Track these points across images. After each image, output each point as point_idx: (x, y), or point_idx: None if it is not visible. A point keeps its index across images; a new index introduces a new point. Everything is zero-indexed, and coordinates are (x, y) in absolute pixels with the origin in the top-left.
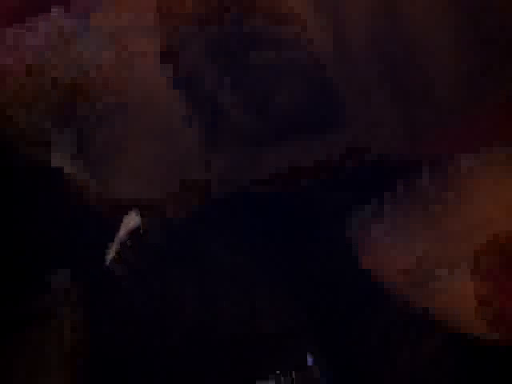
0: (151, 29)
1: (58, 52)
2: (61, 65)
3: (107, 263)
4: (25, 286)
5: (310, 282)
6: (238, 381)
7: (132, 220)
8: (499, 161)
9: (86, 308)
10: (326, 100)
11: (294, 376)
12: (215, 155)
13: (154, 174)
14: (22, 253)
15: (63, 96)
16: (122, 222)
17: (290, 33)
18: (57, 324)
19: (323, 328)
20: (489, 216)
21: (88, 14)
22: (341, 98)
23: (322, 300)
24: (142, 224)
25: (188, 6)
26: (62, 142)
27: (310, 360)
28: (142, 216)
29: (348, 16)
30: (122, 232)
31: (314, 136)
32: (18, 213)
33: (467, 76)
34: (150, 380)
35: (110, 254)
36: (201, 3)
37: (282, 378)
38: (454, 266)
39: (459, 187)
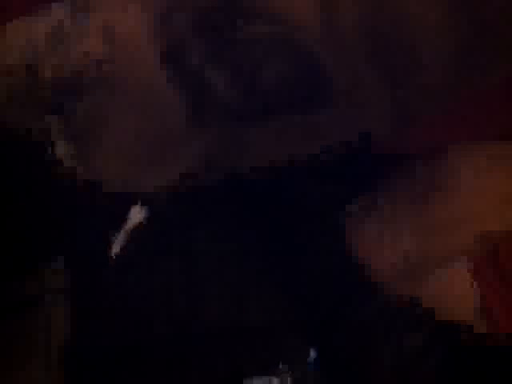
0: (138, 2)
1: (55, 45)
2: (56, 58)
3: (112, 255)
4: (17, 272)
5: (297, 274)
6: (225, 373)
7: (137, 214)
8: (487, 154)
9: (75, 297)
10: (312, 76)
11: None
12: (201, 130)
13: (140, 150)
14: (17, 240)
15: (54, 83)
16: (123, 216)
17: (277, 7)
18: (44, 312)
19: (310, 320)
20: (476, 209)
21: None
22: (328, 75)
23: (310, 292)
24: (145, 217)
25: None
26: (49, 121)
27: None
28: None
29: None
30: (128, 225)
31: (300, 112)
32: (13, 201)
33: (455, 58)
34: (137, 370)
35: (115, 247)
36: None
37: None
38: (442, 259)
39: (446, 180)
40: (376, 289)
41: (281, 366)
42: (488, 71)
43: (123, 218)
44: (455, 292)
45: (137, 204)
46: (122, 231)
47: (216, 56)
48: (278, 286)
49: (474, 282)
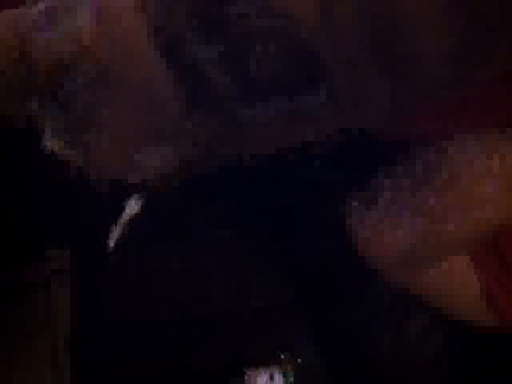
0: None
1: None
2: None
3: (109, 245)
4: (20, 257)
5: (299, 259)
6: (227, 359)
7: (134, 205)
8: (487, 141)
9: (76, 281)
10: (308, 65)
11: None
12: (200, 117)
13: (140, 137)
14: (18, 227)
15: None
16: (123, 205)
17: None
18: (44, 297)
19: (311, 304)
20: (476, 196)
21: None
22: (326, 64)
23: (310, 278)
24: (141, 209)
25: None
26: (47, 114)
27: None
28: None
29: None
30: (125, 216)
31: (294, 98)
32: (13, 189)
33: (455, 50)
34: (138, 354)
35: (113, 237)
36: None
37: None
38: (442, 246)
39: (447, 167)
40: (376, 275)
41: (283, 356)
42: (487, 66)
43: (122, 206)
44: (455, 279)
45: (133, 196)
46: (118, 223)
47: (211, 44)
48: (279, 271)
49: (475, 269)
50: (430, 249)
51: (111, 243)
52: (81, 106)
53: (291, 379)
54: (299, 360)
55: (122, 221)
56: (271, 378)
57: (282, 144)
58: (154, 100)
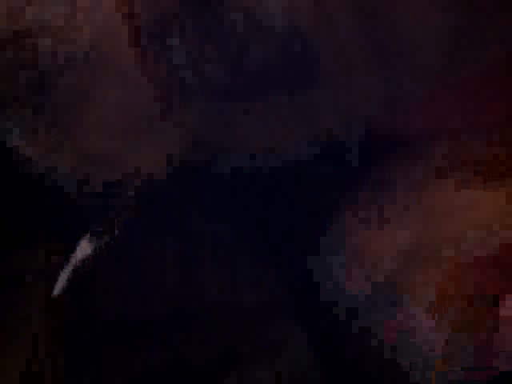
0: None
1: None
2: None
3: (56, 292)
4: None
5: (289, 256)
6: (218, 353)
7: (85, 247)
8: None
9: (51, 277)
10: (300, 55)
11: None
12: (187, 106)
13: (126, 125)
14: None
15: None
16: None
17: None
18: (25, 292)
19: (301, 300)
20: (475, 196)
21: None
22: (316, 54)
23: (301, 274)
24: (92, 251)
25: None
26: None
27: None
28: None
29: None
30: (75, 259)
31: (287, 92)
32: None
33: (447, 39)
34: (127, 349)
35: (61, 281)
36: None
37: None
38: (441, 247)
39: (446, 167)
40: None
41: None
42: (480, 53)
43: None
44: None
45: (85, 237)
46: (67, 267)
47: (203, 32)
48: (271, 267)
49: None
50: (429, 249)
51: (58, 288)
52: (67, 92)
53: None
54: (289, 356)
55: (71, 264)
56: None
57: (272, 139)
58: (139, 87)
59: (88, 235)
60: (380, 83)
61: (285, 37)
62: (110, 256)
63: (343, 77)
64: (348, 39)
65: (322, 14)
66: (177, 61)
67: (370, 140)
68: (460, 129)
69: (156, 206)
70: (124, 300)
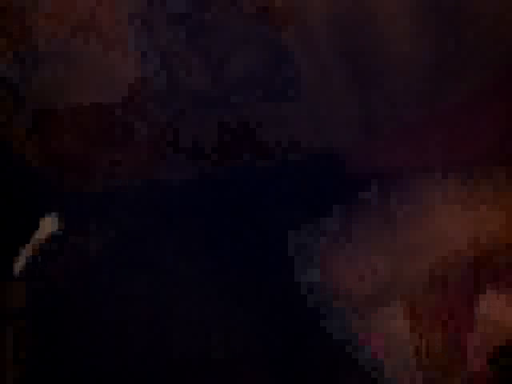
0: None
1: None
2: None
3: (15, 271)
4: None
5: (264, 306)
6: None
7: (49, 225)
8: (460, 180)
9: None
10: (281, 69)
11: None
12: (162, 110)
13: (102, 126)
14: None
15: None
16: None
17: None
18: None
19: (278, 354)
20: (450, 234)
21: None
22: (297, 70)
23: (277, 323)
24: (59, 229)
25: None
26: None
27: None
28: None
29: None
30: (37, 237)
31: (266, 104)
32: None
33: (429, 64)
34: None
35: (21, 262)
36: None
37: None
38: (412, 284)
39: (421, 205)
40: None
41: None
42: (462, 80)
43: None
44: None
45: (50, 214)
46: (28, 246)
47: (186, 39)
48: (245, 316)
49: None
50: (400, 286)
51: (17, 269)
52: (42, 89)
53: None
54: None
55: (32, 243)
56: None
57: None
58: (116, 87)
59: (53, 213)
60: (358, 105)
61: (265, 51)
62: (73, 297)
63: (321, 94)
64: (327, 58)
65: (302, 29)
66: (160, 64)
67: (344, 166)
68: (434, 167)
69: (127, 236)
70: (89, 349)
